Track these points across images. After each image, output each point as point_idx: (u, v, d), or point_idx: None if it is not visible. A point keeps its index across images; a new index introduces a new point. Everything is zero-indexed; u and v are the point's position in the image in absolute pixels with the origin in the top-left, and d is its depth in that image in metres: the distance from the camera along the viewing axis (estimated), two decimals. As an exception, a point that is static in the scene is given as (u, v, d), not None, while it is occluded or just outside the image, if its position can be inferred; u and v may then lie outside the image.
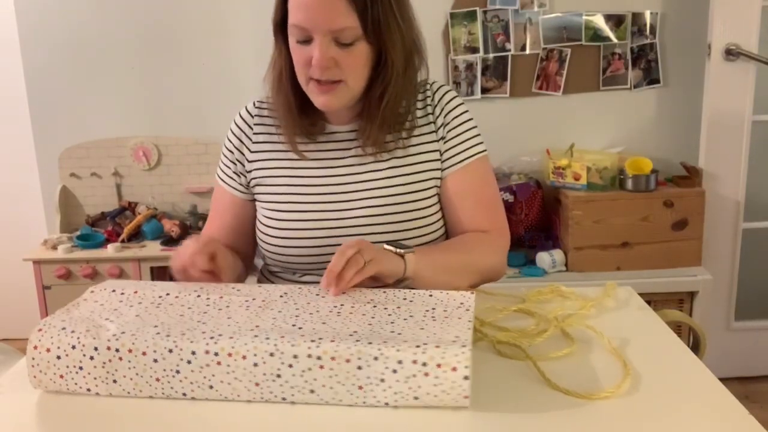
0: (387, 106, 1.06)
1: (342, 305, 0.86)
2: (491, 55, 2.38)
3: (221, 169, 1.20)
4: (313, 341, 0.74)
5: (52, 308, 2.29)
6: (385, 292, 0.91)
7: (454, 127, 1.13)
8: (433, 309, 0.85)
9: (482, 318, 0.94)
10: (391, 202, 1.09)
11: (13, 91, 2.59)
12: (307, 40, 1.00)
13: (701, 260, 2.20)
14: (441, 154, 1.13)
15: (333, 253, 0.94)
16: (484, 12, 2.35)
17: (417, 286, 1.01)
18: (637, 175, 2.17)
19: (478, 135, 1.15)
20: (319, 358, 0.73)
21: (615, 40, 2.35)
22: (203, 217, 2.41)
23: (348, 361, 0.73)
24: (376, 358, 0.72)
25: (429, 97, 1.14)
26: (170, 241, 2.33)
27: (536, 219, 2.35)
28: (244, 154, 1.17)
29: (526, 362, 0.83)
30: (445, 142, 1.12)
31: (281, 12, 1.04)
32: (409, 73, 1.08)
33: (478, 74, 2.39)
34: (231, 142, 1.19)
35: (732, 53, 2.17)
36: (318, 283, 0.95)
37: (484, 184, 1.15)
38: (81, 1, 2.42)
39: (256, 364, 0.74)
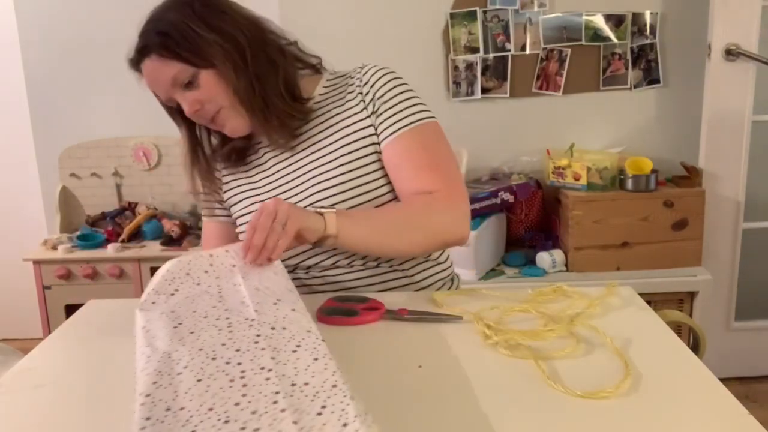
0: (256, 96, 1.08)
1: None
2: (491, 55, 2.38)
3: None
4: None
5: (51, 308, 2.30)
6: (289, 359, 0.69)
7: (386, 101, 1.12)
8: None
9: (487, 318, 0.95)
10: (336, 183, 1.10)
11: (13, 91, 2.59)
12: (176, 105, 1.10)
13: (701, 260, 2.20)
14: (376, 129, 1.13)
15: (298, 254, 1.08)
16: (484, 12, 2.35)
17: (346, 246, 1.00)
18: (637, 175, 2.17)
19: (416, 105, 1.12)
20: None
21: (615, 40, 2.35)
22: (203, 217, 2.41)
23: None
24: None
25: (359, 79, 1.15)
26: (170, 241, 2.33)
27: (536, 219, 2.35)
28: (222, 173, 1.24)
29: (528, 361, 0.83)
30: (377, 116, 1.12)
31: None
32: (253, 63, 1.07)
33: (478, 74, 2.39)
34: None
35: (732, 53, 2.17)
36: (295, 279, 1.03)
37: (421, 149, 1.11)
38: (81, 1, 2.42)
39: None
